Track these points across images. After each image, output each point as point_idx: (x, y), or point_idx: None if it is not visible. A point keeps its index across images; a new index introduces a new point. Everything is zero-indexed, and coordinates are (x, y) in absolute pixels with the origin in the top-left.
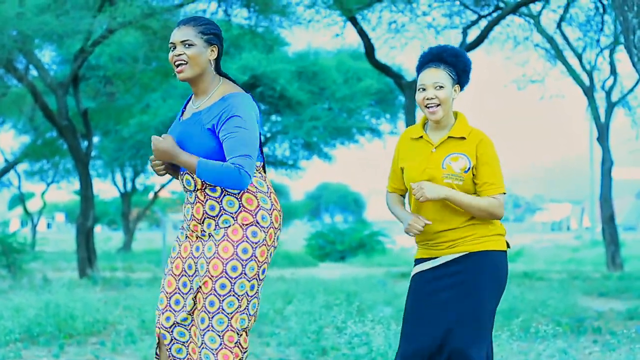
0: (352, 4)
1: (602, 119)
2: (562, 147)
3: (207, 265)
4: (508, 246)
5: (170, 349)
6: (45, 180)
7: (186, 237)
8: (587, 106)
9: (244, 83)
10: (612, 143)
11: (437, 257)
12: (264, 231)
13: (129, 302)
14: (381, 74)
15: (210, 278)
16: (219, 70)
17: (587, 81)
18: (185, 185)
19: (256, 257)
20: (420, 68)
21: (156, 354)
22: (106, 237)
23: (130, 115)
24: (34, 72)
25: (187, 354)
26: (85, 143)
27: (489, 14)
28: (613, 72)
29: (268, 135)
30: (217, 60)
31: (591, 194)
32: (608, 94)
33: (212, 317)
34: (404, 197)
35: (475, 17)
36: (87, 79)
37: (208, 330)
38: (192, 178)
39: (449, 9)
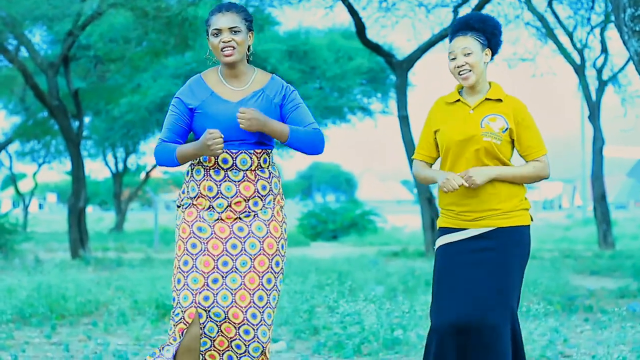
0: None
1: (593, 97)
2: (554, 125)
3: (262, 244)
4: (531, 219)
5: (204, 327)
6: (36, 160)
7: (218, 218)
8: (578, 84)
9: None
10: (604, 121)
11: (464, 229)
12: None
13: (121, 283)
14: (372, 53)
15: (267, 256)
16: None
17: (578, 59)
18: (240, 164)
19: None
20: (450, 39)
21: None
22: (98, 218)
23: (121, 95)
24: (24, 53)
25: (218, 332)
26: (77, 123)
27: None
28: (604, 50)
29: None
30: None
31: (582, 172)
32: (599, 72)
33: (270, 295)
34: (432, 166)
35: None
36: (77, 59)
37: (266, 308)
38: (250, 157)
39: None
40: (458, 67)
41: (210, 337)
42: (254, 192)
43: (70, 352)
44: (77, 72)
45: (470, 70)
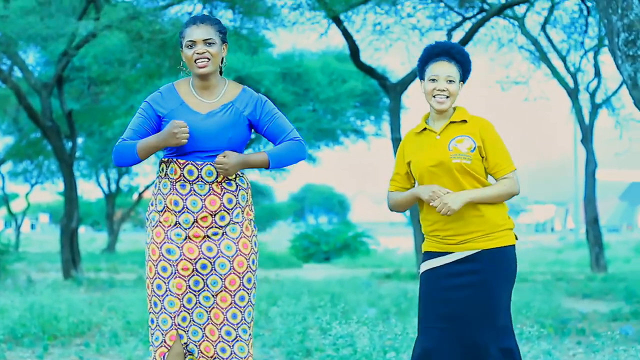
0: (337, 5)
1: (587, 120)
2: (547, 148)
3: (231, 264)
4: (516, 238)
5: (187, 346)
6: (29, 181)
7: (186, 237)
8: (572, 108)
9: None
10: (596, 145)
11: (448, 253)
12: None
13: (113, 303)
14: (366, 75)
15: (237, 275)
16: None
17: (571, 83)
18: (205, 176)
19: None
20: (427, 60)
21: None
22: (90, 238)
23: (115, 116)
24: (18, 73)
25: (199, 353)
26: (70, 144)
27: (474, 16)
28: (597, 74)
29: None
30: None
31: (575, 195)
32: (592, 96)
33: (244, 312)
34: None
35: (459, 19)
36: (71, 80)
37: (241, 324)
38: (216, 169)
39: (433, 11)
40: (438, 90)
41: (193, 357)
42: (220, 206)
43: None
44: (70, 93)
45: (448, 97)
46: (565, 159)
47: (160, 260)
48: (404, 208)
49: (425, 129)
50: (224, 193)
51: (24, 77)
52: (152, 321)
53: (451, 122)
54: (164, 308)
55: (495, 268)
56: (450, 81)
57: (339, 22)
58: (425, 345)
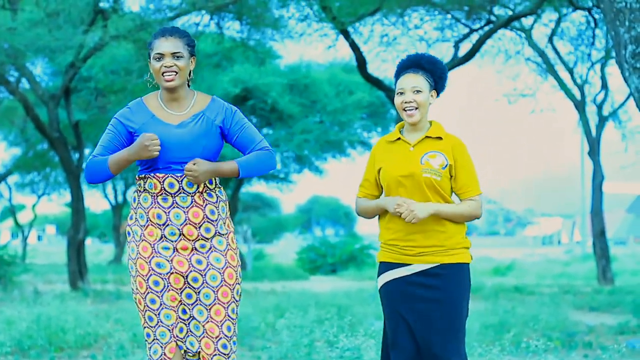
0: (344, 17)
1: (593, 133)
2: (553, 161)
3: (222, 275)
4: (471, 258)
5: (186, 353)
6: (36, 192)
7: (175, 250)
8: (578, 120)
9: (236, 96)
10: (603, 157)
11: (406, 265)
12: None
13: (120, 315)
14: (373, 87)
15: (229, 287)
16: None
17: (578, 95)
18: (186, 187)
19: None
20: (398, 74)
21: None
22: (97, 250)
23: None
24: (25, 85)
25: None
26: (77, 155)
27: (481, 28)
28: (604, 86)
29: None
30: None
31: (582, 208)
32: (599, 108)
33: (234, 324)
34: None
35: (466, 30)
36: (78, 91)
37: (233, 337)
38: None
39: (440, 23)
40: (406, 102)
41: None
42: (203, 218)
43: None
44: (78, 104)
45: (417, 108)
46: (572, 171)
47: (151, 274)
48: (370, 215)
49: (399, 138)
50: (206, 204)
51: (31, 89)
52: (149, 335)
53: (427, 137)
54: (161, 321)
55: (454, 284)
56: (417, 91)
57: (346, 34)
58: (395, 357)
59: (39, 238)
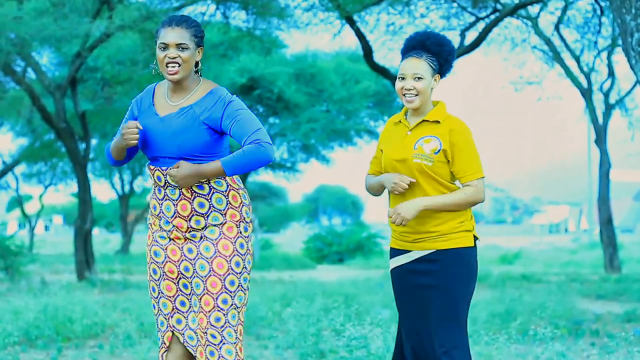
0: (350, 6)
1: (600, 121)
2: (560, 149)
3: (210, 265)
4: (476, 240)
5: (186, 346)
6: (43, 182)
7: (170, 239)
8: (585, 108)
9: (242, 85)
10: (610, 145)
11: (407, 251)
12: (249, 226)
13: (127, 305)
14: (379, 76)
15: (218, 277)
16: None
17: (584, 83)
18: (171, 181)
19: (249, 251)
20: (404, 53)
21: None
22: (104, 240)
23: None
24: (31, 75)
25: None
26: (83, 145)
27: (487, 16)
28: (611, 74)
29: None
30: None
31: (589, 196)
32: (606, 96)
33: (227, 314)
34: None
35: (473, 19)
36: (85, 81)
37: (225, 327)
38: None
39: (447, 11)
40: (406, 89)
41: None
42: (191, 211)
43: None
44: (84, 94)
45: (417, 95)
46: (578, 159)
47: (151, 263)
48: (375, 192)
49: (401, 121)
50: (195, 197)
51: (37, 79)
52: (156, 321)
53: (424, 121)
54: (160, 310)
55: (450, 270)
56: (418, 78)
57: (352, 23)
58: (406, 343)
59: (46, 228)
